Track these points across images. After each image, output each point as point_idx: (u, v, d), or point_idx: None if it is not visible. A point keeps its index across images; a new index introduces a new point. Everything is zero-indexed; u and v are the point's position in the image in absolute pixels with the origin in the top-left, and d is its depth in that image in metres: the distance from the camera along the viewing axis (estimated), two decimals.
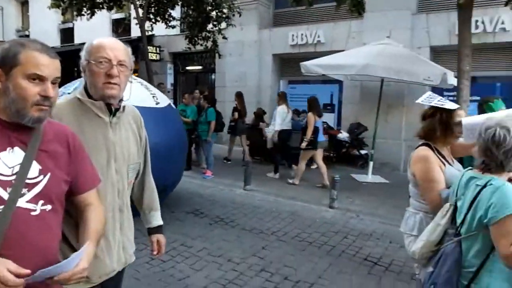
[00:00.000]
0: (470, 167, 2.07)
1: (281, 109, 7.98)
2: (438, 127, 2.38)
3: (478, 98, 8.79)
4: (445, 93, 8.72)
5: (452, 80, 6.98)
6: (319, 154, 7.40)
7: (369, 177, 8.05)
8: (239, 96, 9.45)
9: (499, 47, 8.46)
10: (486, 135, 1.85)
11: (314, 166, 8.98)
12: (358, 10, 8.19)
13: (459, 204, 1.99)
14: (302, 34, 10.44)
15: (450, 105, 2.37)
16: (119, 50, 1.63)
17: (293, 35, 10.59)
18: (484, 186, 1.83)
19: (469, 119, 2.49)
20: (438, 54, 8.89)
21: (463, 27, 5.57)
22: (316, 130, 7.13)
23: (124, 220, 1.79)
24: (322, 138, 7.40)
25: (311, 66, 7.84)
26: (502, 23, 8.08)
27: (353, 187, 7.44)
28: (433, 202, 2.29)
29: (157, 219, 2.02)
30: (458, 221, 1.97)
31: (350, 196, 6.72)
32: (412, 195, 2.53)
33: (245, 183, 6.90)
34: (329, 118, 10.31)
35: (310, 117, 7.19)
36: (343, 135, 9.35)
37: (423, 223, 2.38)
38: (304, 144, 7.19)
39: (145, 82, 5.55)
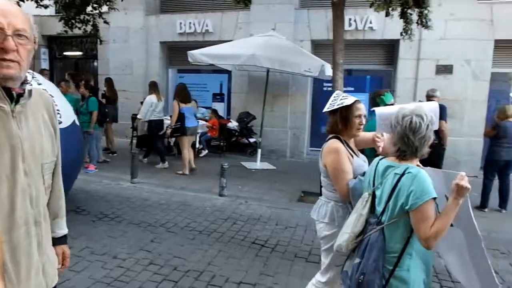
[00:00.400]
0: (382, 157, 2.18)
1: (148, 99, 7.87)
2: (339, 122, 2.56)
3: (352, 88, 9.78)
4: (325, 84, 9.48)
5: (330, 72, 7.56)
6: (186, 140, 7.43)
7: (258, 164, 8.37)
8: (108, 82, 9.11)
9: (368, 43, 9.44)
10: (403, 123, 1.95)
11: (202, 154, 9.05)
12: (244, 1, 8.39)
13: (377, 193, 2.07)
14: (190, 23, 10.29)
15: (348, 100, 2.53)
16: (15, 16, 1.23)
17: (181, 23, 10.37)
18: (403, 174, 1.92)
19: (383, 110, 2.70)
20: (318, 47, 9.56)
21: (337, 23, 6.06)
22: (181, 116, 7.18)
23: (43, 234, 1.43)
24: (191, 123, 7.44)
25: (198, 55, 7.80)
26: (370, 22, 9.03)
27: (242, 174, 7.66)
28: (342, 191, 2.46)
29: (61, 228, 1.69)
30: (379, 209, 2.04)
31: (240, 183, 6.91)
32: (324, 185, 2.68)
33: (132, 176, 6.59)
34: (219, 108, 10.43)
35: (174, 104, 7.31)
36: (233, 124, 9.55)
37: (333, 211, 2.56)
38: (168, 132, 7.35)
39: (52, 90, 4.73)
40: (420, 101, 7.80)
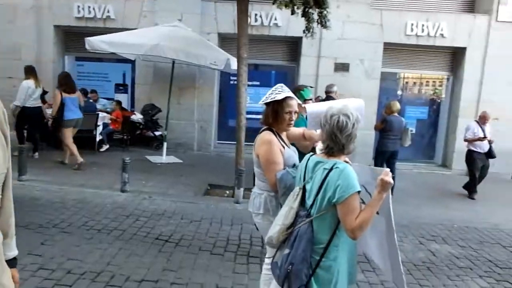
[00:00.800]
0: (312, 154, 2.27)
1: (25, 83, 7.26)
2: (271, 115, 2.63)
3: (258, 83, 10.00)
4: (231, 78, 9.55)
5: (235, 66, 7.62)
6: (68, 132, 7.04)
7: (164, 158, 8.16)
8: None
9: (273, 39, 9.73)
10: (331, 121, 2.05)
11: (103, 149, 8.57)
12: None
13: (308, 187, 2.15)
14: (89, 7, 9.53)
15: (281, 95, 2.59)
16: None
17: (79, 7, 9.55)
18: (331, 169, 2.01)
19: (313, 107, 2.79)
20: (224, 40, 9.58)
21: (241, 18, 6.11)
22: (61, 107, 6.84)
23: None
24: (74, 115, 7.03)
25: (97, 42, 7.29)
26: (275, 19, 9.30)
27: (147, 169, 7.40)
28: (271, 182, 2.55)
29: (11, 249, 1.50)
30: (308, 202, 2.13)
31: (144, 178, 6.66)
32: (257, 175, 2.72)
33: (20, 172, 5.93)
34: (123, 99, 9.90)
35: (56, 93, 6.96)
36: (137, 116, 9.17)
37: (267, 202, 2.63)
38: (50, 122, 7.01)
39: None
40: (319, 96, 8.31)
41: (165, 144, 8.34)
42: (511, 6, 9.14)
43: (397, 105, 6.93)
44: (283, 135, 2.75)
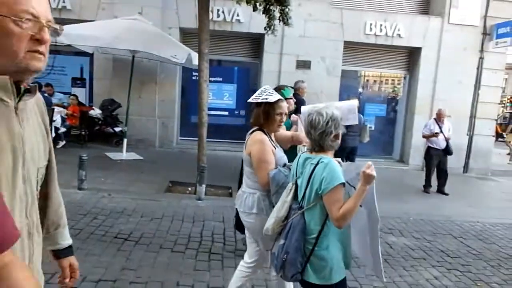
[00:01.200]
0: (303, 152, 2.40)
1: None
2: (261, 116, 2.67)
3: (221, 79, 9.94)
4: (194, 73, 9.44)
5: (197, 61, 7.55)
6: None
7: (124, 155, 7.96)
8: None
9: (236, 35, 9.69)
10: (307, 120, 2.23)
11: (59, 145, 8.28)
12: None
13: (299, 182, 2.29)
14: None
15: (272, 98, 2.64)
16: (47, 4, 1.08)
17: None
18: (317, 164, 2.15)
19: (307, 109, 2.82)
20: (186, 35, 9.43)
21: (202, 13, 6.04)
22: None
23: (35, 247, 1.22)
24: None
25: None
26: (238, 15, 9.26)
27: (106, 165, 7.19)
28: (263, 180, 2.59)
29: (66, 238, 1.52)
30: (300, 196, 2.27)
31: (103, 175, 6.47)
32: (248, 175, 2.72)
33: None
34: (80, 93, 9.55)
35: None
36: (96, 111, 8.87)
37: (260, 201, 2.64)
38: None
39: None
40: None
41: (125, 140, 8.13)
42: (462, 9, 9.61)
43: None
44: (272, 136, 2.81)
